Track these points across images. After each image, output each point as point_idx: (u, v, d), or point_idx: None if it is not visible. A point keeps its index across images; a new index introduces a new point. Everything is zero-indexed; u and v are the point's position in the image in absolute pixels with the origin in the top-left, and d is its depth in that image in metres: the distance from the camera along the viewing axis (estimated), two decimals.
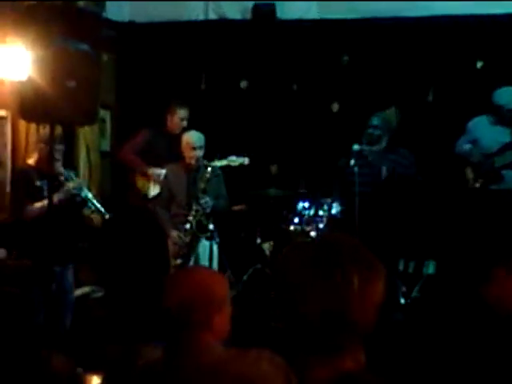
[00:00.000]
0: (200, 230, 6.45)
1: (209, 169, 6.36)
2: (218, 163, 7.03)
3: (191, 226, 6.44)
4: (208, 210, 6.43)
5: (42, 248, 5.40)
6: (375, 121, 6.49)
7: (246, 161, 7.21)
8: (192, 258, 6.49)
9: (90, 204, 5.84)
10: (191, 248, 6.48)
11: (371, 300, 1.75)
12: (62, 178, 5.69)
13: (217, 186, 6.58)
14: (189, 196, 6.53)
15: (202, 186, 6.38)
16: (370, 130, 6.47)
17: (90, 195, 5.92)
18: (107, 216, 5.87)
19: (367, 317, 1.74)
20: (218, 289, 2.58)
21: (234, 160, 7.15)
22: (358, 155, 6.34)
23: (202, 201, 6.38)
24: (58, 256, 5.64)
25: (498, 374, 2.66)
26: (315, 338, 1.74)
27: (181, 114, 7.43)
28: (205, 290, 2.54)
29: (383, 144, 6.49)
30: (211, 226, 6.51)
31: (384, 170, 6.39)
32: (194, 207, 6.42)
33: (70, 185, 5.69)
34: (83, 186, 5.92)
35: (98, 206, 5.90)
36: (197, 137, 6.53)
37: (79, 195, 5.77)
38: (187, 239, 6.45)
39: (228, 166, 7.02)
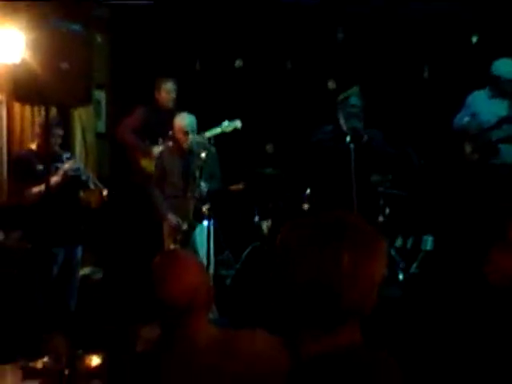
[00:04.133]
0: (197, 218, 6.44)
1: (203, 154, 6.31)
2: (213, 132, 7.03)
3: (188, 214, 6.42)
4: (204, 195, 6.43)
5: (41, 230, 5.43)
6: (355, 100, 6.25)
7: (239, 124, 7.20)
8: (190, 245, 6.47)
9: (89, 183, 5.87)
10: (188, 235, 6.47)
11: (364, 280, 1.71)
12: (60, 162, 5.71)
13: (211, 166, 6.55)
14: (184, 179, 6.51)
15: (196, 173, 6.34)
16: (354, 110, 6.27)
17: (88, 174, 5.95)
18: (105, 192, 5.89)
19: (361, 296, 1.71)
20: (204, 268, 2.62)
21: (227, 125, 7.15)
22: (355, 132, 6.25)
23: (198, 188, 6.36)
24: (64, 238, 5.70)
25: (497, 349, 2.67)
26: (308, 314, 1.73)
27: (167, 87, 7.42)
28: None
29: (362, 123, 6.37)
30: (206, 210, 6.50)
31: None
32: (190, 194, 6.40)
33: (66, 166, 5.71)
34: (80, 167, 5.95)
35: (98, 183, 5.94)
36: (189, 120, 6.49)
37: (78, 176, 5.79)
38: (185, 226, 6.44)
39: (225, 137, 7.03)
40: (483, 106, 6.63)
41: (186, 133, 6.45)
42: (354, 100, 6.28)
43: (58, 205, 5.57)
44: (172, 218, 6.48)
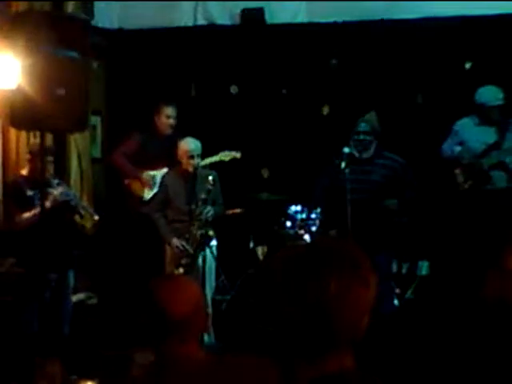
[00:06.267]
0: (205, 242, 6.44)
1: (210, 178, 6.33)
2: (210, 160, 7.05)
3: (195, 237, 6.42)
4: (210, 219, 6.43)
5: (35, 256, 5.42)
6: (365, 127, 6.35)
7: (238, 154, 7.25)
8: (195, 269, 6.45)
9: (79, 208, 5.87)
10: (194, 258, 6.45)
11: (353, 306, 1.71)
12: (50, 187, 5.71)
13: (214, 192, 6.55)
14: (188, 203, 6.50)
15: (203, 196, 6.34)
16: (361, 137, 6.35)
17: (78, 200, 5.96)
18: (96, 217, 5.90)
19: (350, 322, 1.72)
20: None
21: (226, 154, 7.20)
22: (349, 158, 6.29)
23: (205, 211, 6.36)
24: (56, 263, 5.69)
25: (493, 374, 2.66)
26: (298, 340, 1.74)
27: (167, 112, 7.41)
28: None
29: (372, 150, 6.42)
30: (212, 234, 6.52)
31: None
32: (197, 218, 6.40)
33: (56, 192, 5.71)
34: (70, 192, 5.95)
35: (88, 208, 5.96)
36: (194, 145, 6.49)
37: (68, 201, 5.79)
38: (191, 249, 6.42)
39: (221, 163, 7.05)
40: (471, 133, 6.70)
41: (192, 157, 6.46)
42: (360, 126, 6.34)
43: (49, 230, 5.56)
44: (176, 243, 6.46)
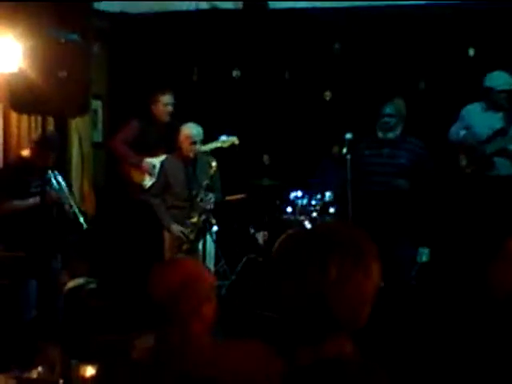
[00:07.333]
0: (206, 228, 6.44)
1: (213, 163, 6.31)
2: (210, 146, 7.04)
3: (197, 223, 6.41)
4: (212, 207, 6.42)
5: (31, 240, 5.41)
6: (389, 109, 6.38)
7: (236, 140, 7.23)
8: (196, 254, 6.44)
9: (69, 214, 5.79)
10: (195, 245, 6.44)
11: (353, 292, 1.71)
12: (47, 183, 5.63)
13: (214, 179, 6.54)
14: (188, 189, 6.48)
15: (205, 182, 6.34)
16: (386, 119, 6.37)
17: (72, 204, 5.88)
18: (84, 227, 5.82)
19: (351, 308, 1.72)
20: (206, 278, 2.62)
21: (225, 141, 7.18)
22: (351, 144, 6.30)
23: (207, 198, 6.35)
24: (43, 247, 5.65)
25: (495, 359, 2.66)
26: (299, 326, 1.74)
27: (164, 100, 7.37)
28: (194, 279, 2.55)
29: (398, 131, 6.44)
30: (212, 220, 6.52)
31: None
32: (199, 204, 6.39)
33: (52, 193, 5.64)
34: (66, 195, 5.85)
35: (79, 215, 5.88)
36: (196, 130, 6.47)
37: (61, 204, 5.72)
38: (192, 236, 6.41)
39: (221, 149, 7.04)
40: (477, 118, 6.67)
41: (194, 142, 6.44)
42: (385, 110, 6.39)
43: (41, 215, 5.51)
44: (176, 229, 6.45)
